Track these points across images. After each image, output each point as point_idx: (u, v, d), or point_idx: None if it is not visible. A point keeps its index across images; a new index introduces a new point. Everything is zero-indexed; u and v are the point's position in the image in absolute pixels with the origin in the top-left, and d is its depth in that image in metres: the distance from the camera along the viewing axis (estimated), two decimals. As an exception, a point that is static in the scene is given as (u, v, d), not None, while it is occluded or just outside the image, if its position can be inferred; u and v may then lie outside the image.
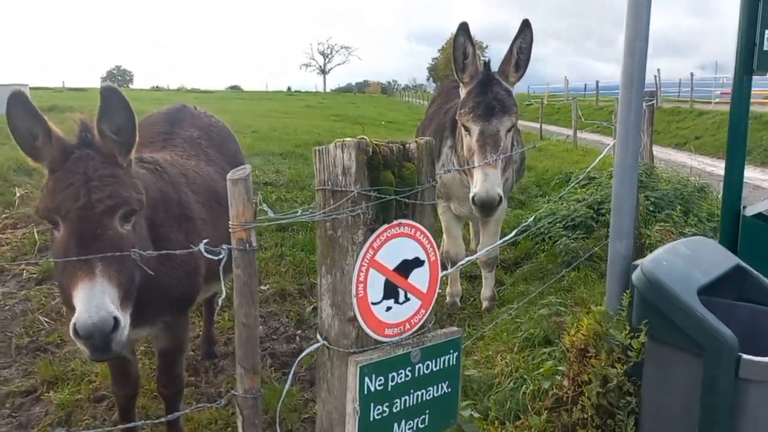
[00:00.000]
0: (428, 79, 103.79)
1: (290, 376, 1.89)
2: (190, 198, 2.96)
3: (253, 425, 1.79)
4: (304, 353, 1.83)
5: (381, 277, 1.74)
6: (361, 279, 1.70)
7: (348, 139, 1.66)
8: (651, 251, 2.73)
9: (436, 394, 1.91)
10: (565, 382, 2.69)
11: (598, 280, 4.76)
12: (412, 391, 1.84)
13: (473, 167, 3.58)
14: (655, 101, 6.56)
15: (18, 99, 2.09)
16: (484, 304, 4.98)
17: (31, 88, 19.80)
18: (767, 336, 2.31)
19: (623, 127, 2.63)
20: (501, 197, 3.50)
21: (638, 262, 2.46)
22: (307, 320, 4.79)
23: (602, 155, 5.18)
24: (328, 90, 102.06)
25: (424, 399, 1.88)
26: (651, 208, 5.74)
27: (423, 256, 1.83)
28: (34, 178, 7.54)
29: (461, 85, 3.89)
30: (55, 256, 2.17)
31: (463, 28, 3.60)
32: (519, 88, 3.97)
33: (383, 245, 1.72)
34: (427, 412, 1.90)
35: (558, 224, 5.97)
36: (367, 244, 1.69)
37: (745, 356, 2.05)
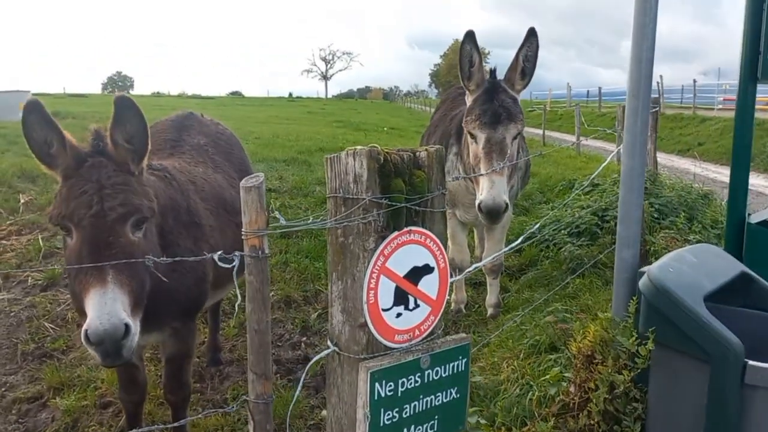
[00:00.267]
0: (430, 85, 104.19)
1: (300, 381, 1.91)
2: (199, 205, 2.99)
3: (264, 430, 1.81)
4: (315, 358, 1.85)
5: (391, 284, 1.76)
6: (371, 285, 1.72)
7: (359, 147, 1.69)
8: (656, 258, 2.75)
9: (445, 400, 1.93)
10: (572, 389, 2.70)
11: (604, 287, 4.77)
12: (421, 396, 1.86)
13: (479, 174, 3.60)
14: (658, 108, 6.57)
15: (34, 108, 2.13)
16: (489, 311, 4.99)
17: (33, 95, 19.90)
18: (774, 343, 2.32)
19: (630, 135, 2.65)
20: (507, 204, 3.52)
21: (645, 269, 2.48)
22: (312, 327, 4.80)
23: (606, 162, 5.20)
24: (329, 96, 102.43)
25: (433, 405, 1.90)
26: (655, 215, 5.74)
27: (433, 263, 1.85)
28: (38, 185, 7.58)
29: (467, 92, 3.91)
30: (68, 262, 2.19)
31: (470, 36, 3.63)
32: (522, 95, 3.99)
33: (394, 252, 1.74)
34: (436, 417, 1.92)
35: (562, 231, 5.98)
36: (378, 251, 1.71)
37: (751, 362, 2.07)
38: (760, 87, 3.31)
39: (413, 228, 1.78)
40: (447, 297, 1.95)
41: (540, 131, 21.59)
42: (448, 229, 4.83)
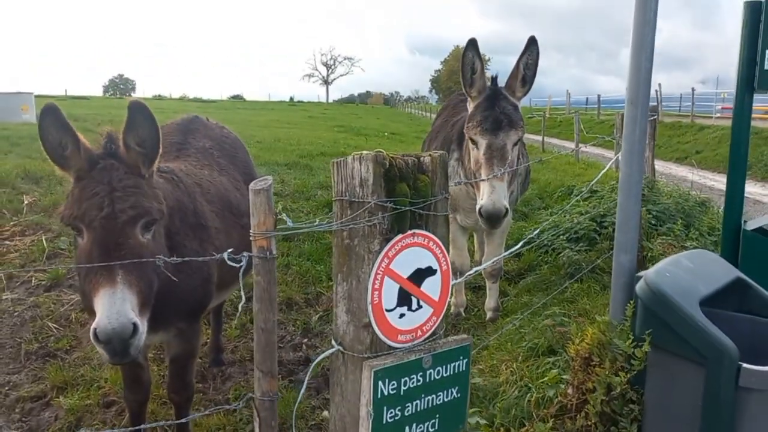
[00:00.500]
0: (431, 91, 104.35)
1: (305, 380, 1.95)
2: (205, 207, 3.04)
3: (269, 427, 1.85)
4: (320, 357, 1.89)
5: (395, 285, 1.81)
6: (376, 286, 1.77)
7: (365, 152, 1.74)
8: (653, 264, 2.80)
9: (446, 399, 1.98)
10: (570, 390, 2.75)
11: (601, 291, 4.82)
12: (423, 395, 1.91)
13: (480, 180, 3.66)
14: (656, 116, 6.64)
15: (51, 111, 2.19)
16: (489, 314, 5.04)
17: (35, 96, 19.95)
18: (767, 346, 2.37)
19: (628, 144, 2.70)
20: (507, 209, 3.57)
21: (642, 273, 2.53)
22: (314, 329, 4.84)
23: (605, 170, 5.25)
24: (330, 100, 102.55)
25: (434, 403, 1.95)
26: (653, 222, 5.80)
27: (435, 266, 1.90)
28: (42, 186, 7.62)
29: (469, 99, 3.97)
30: (78, 262, 2.24)
31: (472, 44, 3.69)
32: (522, 102, 4.05)
33: (398, 254, 1.79)
34: (438, 416, 1.97)
35: (561, 236, 6.03)
36: (383, 253, 1.76)
37: (745, 365, 2.12)
38: (757, 96, 3.37)
39: (417, 231, 1.83)
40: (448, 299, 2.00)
41: (539, 137, 21.65)
42: (449, 233, 4.88)
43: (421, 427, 1.93)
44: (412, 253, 1.84)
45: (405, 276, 1.83)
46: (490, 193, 3.53)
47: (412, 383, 1.87)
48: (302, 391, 1.92)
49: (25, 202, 6.89)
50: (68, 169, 2.26)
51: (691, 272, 2.52)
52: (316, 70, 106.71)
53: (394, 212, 1.77)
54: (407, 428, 1.89)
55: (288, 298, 5.21)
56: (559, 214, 6.61)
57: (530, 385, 3.21)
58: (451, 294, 5.16)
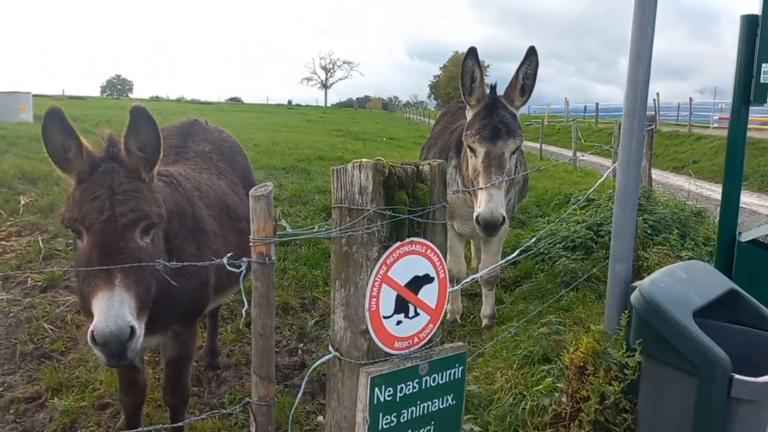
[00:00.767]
0: (429, 97, 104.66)
1: (302, 385, 1.97)
2: (203, 211, 3.05)
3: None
4: (316, 363, 1.91)
5: (393, 292, 1.83)
6: (374, 293, 1.78)
7: (365, 159, 1.76)
8: (648, 273, 2.83)
9: (441, 406, 1.99)
10: (564, 399, 2.76)
11: (597, 300, 4.84)
12: (419, 402, 1.92)
13: (478, 188, 3.68)
14: (654, 126, 6.68)
15: (55, 114, 2.21)
16: (484, 321, 5.05)
17: (33, 96, 19.94)
18: (759, 358, 2.39)
19: (625, 154, 2.73)
20: (504, 217, 3.59)
21: (637, 283, 2.55)
22: (309, 334, 4.85)
23: (602, 179, 5.28)
24: (328, 104, 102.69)
25: (430, 410, 1.96)
26: (648, 231, 5.83)
27: (433, 273, 1.92)
28: (39, 187, 7.62)
29: (468, 107, 4.00)
30: (77, 264, 2.26)
31: (472, 52, 3.71)
32: (520, 109, 4.08)
33: (396, 262, 1.81)
34: (433, 423, 1.98)
35: (558, 245, 6.06)
36: (381, 260, 1.77)
37: (737, 376, 2.14)
38: (756, 107, 3.41)
39: (415, 239, 1.85)
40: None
41: (537, 145, 21.73)
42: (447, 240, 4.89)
43: (416, 434, 1.94)
44: (410, 260, 1.85)
45: (402, 283, 1.85)
46: (488, 202, 3.55)
47: (408, 390, 1.88)
48: (299, 396, 1.93)
49: (22, 202, 6.89)
50: (70, 172, 2.28)
51: (686, 283, 2.54)
52: (315, 73, 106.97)
53: (392, 220, 1.78)
54: (402, 434, 1.90)
55: (284, 303, 5.22)
56: (555, 223, 6.64)
57: (525, 392, 3.22)
58: (448, 301, 5.18)
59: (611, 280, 2.80)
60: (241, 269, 1.77)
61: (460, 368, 2.02)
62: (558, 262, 5.73)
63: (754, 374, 2.16)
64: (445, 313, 5.20)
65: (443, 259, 1.95)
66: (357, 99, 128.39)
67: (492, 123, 3.74)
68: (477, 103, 3.89)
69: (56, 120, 2.21)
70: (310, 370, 1.95)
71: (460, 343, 2.06)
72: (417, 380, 1.90)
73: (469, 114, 3.96)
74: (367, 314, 1.78)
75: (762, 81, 3.19)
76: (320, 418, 3.59)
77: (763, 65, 3.18)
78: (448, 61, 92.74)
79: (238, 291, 1.86)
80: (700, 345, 2.21)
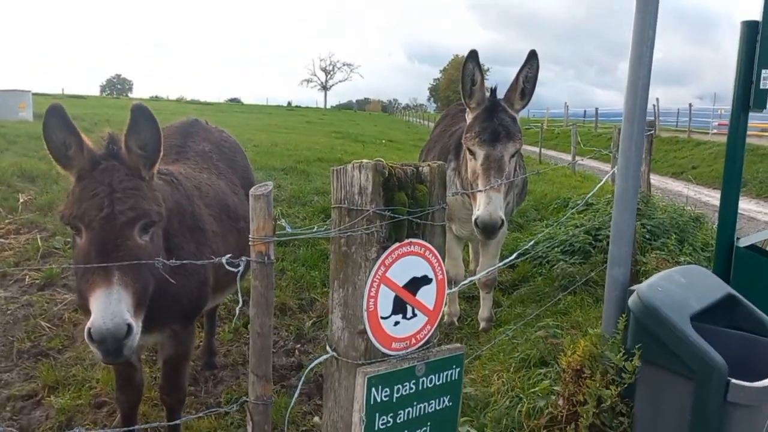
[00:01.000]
0: (429, 99, 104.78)
1: (299, 385, 1.96)
2: (203, 210, 3.06)
3: (263, 431, 1.86)
4: (314, 363, 1.91)
5: (391, 293, 1.83)
6: (372, 294, 1.78)
7: (365, 160, 1.76)
8: (646, 278, 2.83)
9: (438, 407, 1.99)
10: (560, 402, 2.77)
11: (594, 304, 4.84)
12: (415, 403, 1.92)
13: (477, 191, 3.68)
14: (653, 131, 6.70)
15: (56, 111, 2.21)
16: (482, 324, 5.06)
17: (33, 94, 19.95)
18: (756, 362, 2.40)
19: (624, 159, 2.73)
20: (503, 220, 3.60)
21: (634, 287, 2.56)
22: (307, 335, 4.85)
23: (601, 183, 5.30)
24: (328, 106, 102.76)
25: (426, 411, 1.96)
26: (647, 236, 5.84)
27: (431, 275, 1.92)
28: (38, 185, 7.63)
29: (468, 109, 4.00)
30: (76, 261, 2.26)
31: (473, 56, 3.72)
32: (520, 113, 4.08)
33: (394, 263, 1.81)
34: (429, 424, 1.98)
35: (556, 248, 6.07)
36: (380, 261, 1.78)
37: (734, 381, 2.14)
38: (755, 113, 3.42)
39: (414, 240, 1.85)
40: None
41: (537, 149, 21.75)
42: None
43: (412, 435, 1.95)
44: (408, 261, 1.85)
45: (401, 284, 1.85)
46: (487, 204, 3.55)
47: (405, 391, 1.89)
48: (296, 395, 1.93)
49: (21, 200, 6.89)
50: (70, 169, 2.28)
51: (683, 287, 2.55)
52: (315, 75, 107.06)
53: (391, 221, 1.79)
54: (399, 435, 1.90)
55: (282, 304, 5.22)
56: (554, 226, 6.65)
57: (521, 395, 3.22)
58: (445, 303, 5.19)
59: (609, 284, 2.81)
60: (239, 268, 1.77)
61: (457, 370, 2.03)
62: (556, 266, 5.73)
63: (750, 379, 2.17)
64: (443, 315, 5.21)
65: (442, 261, 1.96)
66: (356, 101, 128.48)
67: (492, 126, 3.75)
68: (477, 106, 3.90)
69: (57, 117, 2.21)
70: (307, 369, 1.95)
71: (458, 345, 2.07)
72: (414, 381, 1.90)
73: (469, 117, 3.97)
74: (365, 314, 1.78)
75: (762, 87, 3.20)
76: (316, 418, 3.59)
77: (763, 71, 3.19)
78: (448, 64, 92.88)
79: (236, 291, 1.85)
80: (698, 349, 2.22)
